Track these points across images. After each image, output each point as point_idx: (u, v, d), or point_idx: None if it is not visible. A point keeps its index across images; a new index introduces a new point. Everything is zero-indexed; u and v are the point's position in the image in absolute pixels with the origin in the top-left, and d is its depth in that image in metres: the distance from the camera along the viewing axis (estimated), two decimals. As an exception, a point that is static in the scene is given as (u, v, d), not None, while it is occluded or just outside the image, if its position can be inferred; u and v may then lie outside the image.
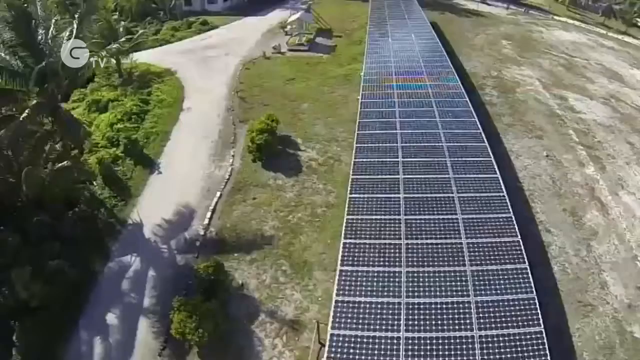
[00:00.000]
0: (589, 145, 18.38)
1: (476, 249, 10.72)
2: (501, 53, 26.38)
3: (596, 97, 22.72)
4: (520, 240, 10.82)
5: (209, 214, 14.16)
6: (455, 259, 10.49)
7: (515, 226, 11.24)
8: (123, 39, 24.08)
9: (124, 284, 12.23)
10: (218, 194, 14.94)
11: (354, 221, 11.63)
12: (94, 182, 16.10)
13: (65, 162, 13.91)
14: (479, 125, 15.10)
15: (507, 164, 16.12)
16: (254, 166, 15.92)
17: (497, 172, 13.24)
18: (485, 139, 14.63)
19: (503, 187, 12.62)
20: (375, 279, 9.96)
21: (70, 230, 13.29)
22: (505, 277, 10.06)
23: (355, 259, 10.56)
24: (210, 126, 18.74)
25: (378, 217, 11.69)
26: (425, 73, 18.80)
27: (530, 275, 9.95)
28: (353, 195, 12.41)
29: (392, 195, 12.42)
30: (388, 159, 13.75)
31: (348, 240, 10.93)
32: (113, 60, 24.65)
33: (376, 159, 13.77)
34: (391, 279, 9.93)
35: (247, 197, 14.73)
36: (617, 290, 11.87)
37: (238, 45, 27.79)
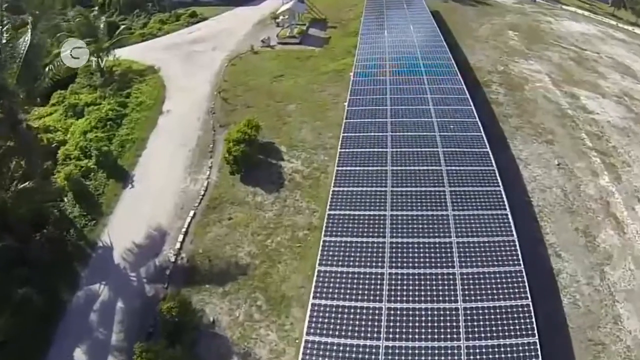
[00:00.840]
0: (603, 152, 16.13)
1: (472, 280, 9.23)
2: (507, 45, 23.67)
3: (609, 95, 20.26)
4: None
5: (180, 237, 12.52)
6: (447, 288, 8.95)
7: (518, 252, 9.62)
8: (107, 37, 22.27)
9: (92, 316, 11.02)
10: (192, 212, 13.21)
11: (331, 244, 10.03)
12: (64, 199, 14.78)
13: (28, 182, 12.35)
14: (484, 138, 12.96)
15: (515, 174, 14.08)
16: (231, 179, 14.05)
17: (500, 185, 11.53)
18: (486, 144, 12.77)
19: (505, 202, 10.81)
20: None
21: (38, 255, 12.11)
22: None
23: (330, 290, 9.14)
24: (189, 132, 16.77)
25: (360, 239, 9.95)
26: (424, 73, 16.44)
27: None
28: (332, 213, 10.62)
29: (377, 213, 10.58)
30: (374, 168, 11.86)
31: (323, 268, 9.52)
32: (94, 59, 22.88)
33: (361, 169, 11.84)
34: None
35: (222, 217, 12.93)
36: (631, 324, 10.16)
37: (226, 38, 25.41)
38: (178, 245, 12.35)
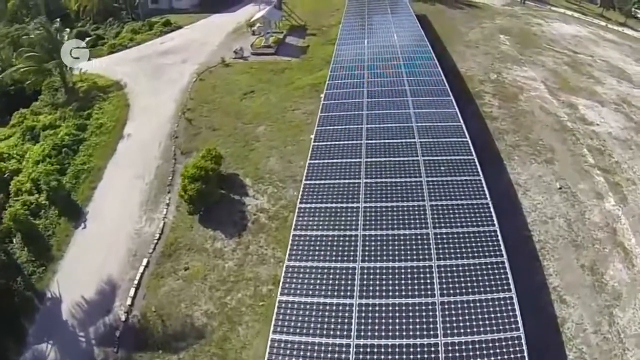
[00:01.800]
0: (606, 169, 14.25)
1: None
2: (499, 50, 21.67)
3: (607, 102, 18.36)
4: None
5: (132, 291, 10.60)
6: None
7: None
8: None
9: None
10: (145, 261, 11.24)
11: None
12: (13, 240, 13.04)
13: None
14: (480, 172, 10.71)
15: (514, 204, 12.13)
16: (189, 220, 12.02)
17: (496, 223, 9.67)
18: (480, 172, 10.71)
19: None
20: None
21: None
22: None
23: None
24: (148, 160, 14.67)
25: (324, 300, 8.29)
26: (409, 92, 14.00)
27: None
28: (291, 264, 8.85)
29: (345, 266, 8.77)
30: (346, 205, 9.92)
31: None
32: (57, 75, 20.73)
33: (327, 206, 9.87)
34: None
35: (178, 266, 10.92)
36: (643, 376, 8.43)
37: (199, 48, 23.19)
38: (129, 300, 10.48)
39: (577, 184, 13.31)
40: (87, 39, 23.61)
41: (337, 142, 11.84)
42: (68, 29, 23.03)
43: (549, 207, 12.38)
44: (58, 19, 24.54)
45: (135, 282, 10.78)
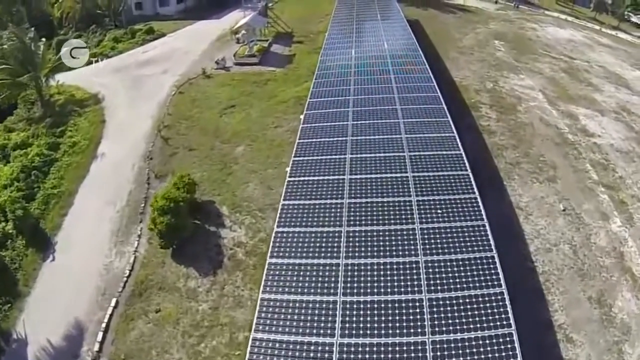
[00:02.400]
0: (610, 185, 13.16)
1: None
2: (495, 57, 20.63)
3: (607, 111, 17.34)
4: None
5: (100, 335, 9.44)
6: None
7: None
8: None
9: None
10: (114, 301, 10.05)
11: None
12: None
13: None
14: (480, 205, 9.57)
15: (516, 231, 11.04)
16: (161, 255, 10.77)
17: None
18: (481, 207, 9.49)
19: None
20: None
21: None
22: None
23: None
24: (121, 184, 13.42)
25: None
26: (400, 111, 12.61)
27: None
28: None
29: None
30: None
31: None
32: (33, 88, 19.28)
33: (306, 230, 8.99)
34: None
35: (149, 308, 9.73)
36: None
37: (180, 58, 21.87)
38: (97, 346, 9.31)
39: (581, 204, 12.27)
40: (56, 56, 21.66)
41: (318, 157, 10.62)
42: (44, 39, 21.73)
43: (553, 232, 11.29)
44: (32, 28, 23.30)
45: (104, 324, 9.59)
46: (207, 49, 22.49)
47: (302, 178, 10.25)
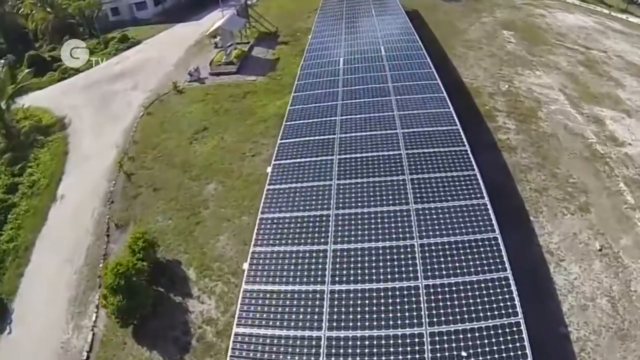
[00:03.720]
0: (649, 209, 10.89)
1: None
2: (506, 50, 17.41)
3: (633, 111, 14.29)
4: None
5: None
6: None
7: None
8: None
9: None
10: None
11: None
12: None
13: None
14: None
15: (547, 285, 8.46)
16: (121, 333, 8.43)
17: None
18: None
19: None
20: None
21: None
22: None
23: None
24: (79, 236, 10.97)
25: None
26: (398, 125, 10.05)
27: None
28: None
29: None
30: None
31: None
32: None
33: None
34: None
35: None
36: None
37: (153, 69, 18.95)
38: None
39: (618, 238, 9.58)
40: (24, 72, 18.79)
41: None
42: (2, 60, 18.82)
43: (589, 281, 8.70)
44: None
45: None
46: (183, 56, 19.47)
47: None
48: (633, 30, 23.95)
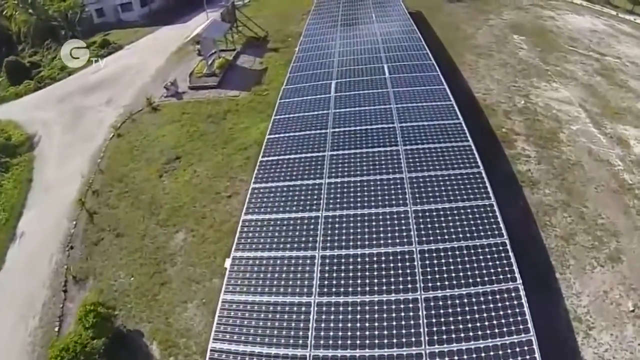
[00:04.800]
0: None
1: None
2: (518, 58, 15.08)
3: (656, 128, 12.75)
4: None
5: None
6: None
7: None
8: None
9: None
10: None
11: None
12: None
13: None
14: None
15: None
16: None
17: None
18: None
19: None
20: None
21: None
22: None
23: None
24: (35, 289, 9.01)
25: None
26: (402, 154, 8.15)
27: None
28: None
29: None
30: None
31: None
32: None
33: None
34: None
35: None
36: None
37: (131, 79, 16.66)
38: None
39: None
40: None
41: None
42: None
43: (620, 352, 6.74)
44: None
45: None
46: (164, 65, 17.05)
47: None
48: (642, 33, 22.05)
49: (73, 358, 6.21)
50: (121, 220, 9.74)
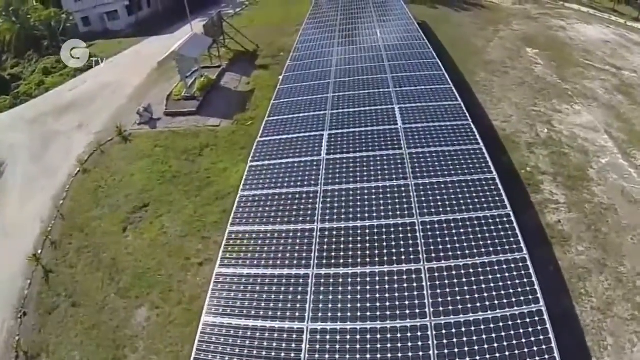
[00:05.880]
0: None
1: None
2: (534, 75, 12.84)
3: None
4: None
5: None
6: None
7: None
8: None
9: None
10: None
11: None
12: None
13: None
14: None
15: None
16: None
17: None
18: None
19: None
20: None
21: None
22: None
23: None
24: None
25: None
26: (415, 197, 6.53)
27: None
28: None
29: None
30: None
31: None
32: None
33: None
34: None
35: None
36: None
37: (107, 100, 14.34)
38: None
39: None
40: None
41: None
42: None
43: None
44: None
45: None
46: (142, 83, 14.72)
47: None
48: (652, 43, 19.92)
49: None
50: (79, 283, 7.66)
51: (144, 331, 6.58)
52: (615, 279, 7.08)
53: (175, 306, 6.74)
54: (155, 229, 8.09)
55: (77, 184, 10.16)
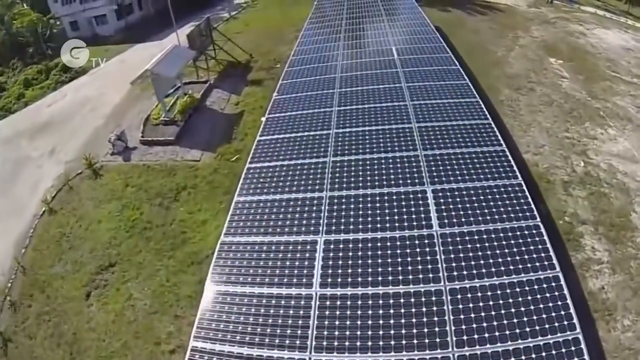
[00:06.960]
0: None
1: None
2: (562, 91, 10.67)
3: None
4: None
5: None
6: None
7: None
8: None
9: None
10: None
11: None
12: None
13: None
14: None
15: None
16: None
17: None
18: None
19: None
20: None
21: None
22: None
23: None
24: None
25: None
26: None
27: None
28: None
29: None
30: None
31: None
32: None
33: None
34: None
35: None
36: None
37: (84, 119, 12.49)
38: None
39: None
40: None
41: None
42: None
43: None
44: None
45: None
46: (122, 100, 12.70)
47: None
48: (671, 50, 17.47)
49: None
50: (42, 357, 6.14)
51: None
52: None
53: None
54: (121, 298, 6.39)
55: (42, 228, 8.40)
